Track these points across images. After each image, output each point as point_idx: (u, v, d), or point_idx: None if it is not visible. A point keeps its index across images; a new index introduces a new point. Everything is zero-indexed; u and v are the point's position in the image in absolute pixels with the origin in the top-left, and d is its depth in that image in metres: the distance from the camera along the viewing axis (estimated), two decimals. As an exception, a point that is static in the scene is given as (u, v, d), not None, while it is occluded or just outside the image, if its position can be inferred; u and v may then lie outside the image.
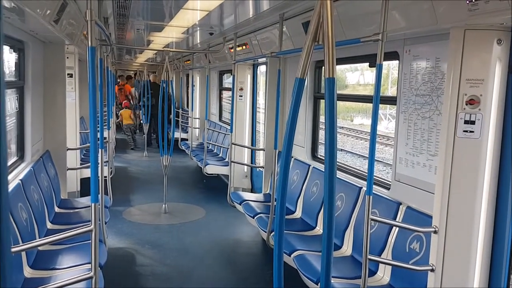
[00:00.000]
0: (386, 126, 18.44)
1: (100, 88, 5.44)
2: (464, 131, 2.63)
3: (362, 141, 16.27)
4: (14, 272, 3.10)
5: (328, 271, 1.61)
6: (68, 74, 6.32)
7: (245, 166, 7.45)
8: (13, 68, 4.63)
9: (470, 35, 2.55)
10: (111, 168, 6.13)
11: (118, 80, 15.26)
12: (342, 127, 19.42)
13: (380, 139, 15.12)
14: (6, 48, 4.32)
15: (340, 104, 23.90)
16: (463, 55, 2.57)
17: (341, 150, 15.13)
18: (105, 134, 5.55)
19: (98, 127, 4.69)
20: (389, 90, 18.37)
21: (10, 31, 4.07)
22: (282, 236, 1.80)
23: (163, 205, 6.86)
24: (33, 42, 4.79)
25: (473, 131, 2.62)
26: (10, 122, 4.62)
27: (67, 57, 6.18)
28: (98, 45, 4.60)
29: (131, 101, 14.36)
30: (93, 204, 2.45)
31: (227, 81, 10.36)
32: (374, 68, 2.68)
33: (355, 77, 23.56)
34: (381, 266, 3.54)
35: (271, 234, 4.43)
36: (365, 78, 21.93)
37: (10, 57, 4.51)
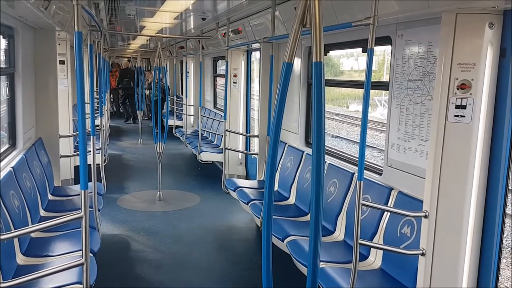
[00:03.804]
0: (381, 112, 18.43)
1: (91, 74, 5.40)
2: (455, 115, 2.63)
3: (357, 127, 16.28)
4: (6, 259, 3.10)
5: (316, 252, 1.62)
6: (60, 61, 6.26)
7: (240, 153, 7.45)
8: (3, 55, 4.57)
9: (461, 19, 2.53)
10: (104, 155, 6.11)
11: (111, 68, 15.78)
12: (338, 113, 19.43)
13: (376, 126, 15.15)
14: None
15: (336, 91, 23.92)
16: (454, 39, 2.55)
17: (337, 136, 15.17)
18: (97, 121, 5.52)
19: (89, 114, 4.68)
20: (384, 77, 18.34)
21: (-1, 17, 4.01)
22: (270, 220, 1.80)
23: (158, 192, 6.86)
24: (23, 29, 4.72)
25: (464, 116, 2.62)
26: (1, 109, 4.58)
27: (59, 44, 6.12)
28: (88, 31, 4.55)
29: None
30: (82, 191, 2.43)
31: (222, 68, 10.30)
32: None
33: (350, 63, 23.50)
34: (372, 250, 3.56)
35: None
36: (361, 64, 21.85)
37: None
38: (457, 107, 2.62)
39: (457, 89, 2.61)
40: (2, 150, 4.39)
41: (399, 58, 3.46)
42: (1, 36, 4.38)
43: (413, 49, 3.30)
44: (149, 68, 17.17)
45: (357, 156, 2.75)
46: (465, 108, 2.61)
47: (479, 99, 2.60)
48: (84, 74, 2.63)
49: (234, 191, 5.54)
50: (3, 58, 4.55)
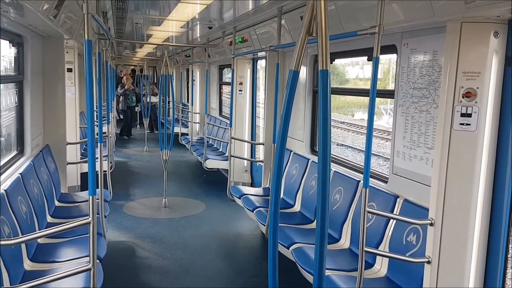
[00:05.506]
0: (387, 121, 18.40)
1: (99, 82, 5.45)
2: (460, 124, 2.64)
3: (362, 136, 16.25)
4: (14, 264, 3.13)
5: (322, 260, 1.63)
6: (67, 68, 6.32)
7: (245, 161, 7.47)
8: (13, 62, 4.63)
9: (466, 28, 2.55)
10: (111, 162, 6.15)
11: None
12: (343, 122, 19.42)
13: (381, 134, 15.13)
14: (5, 43, 4.33)
15: (341, 99, 23.89)
16: (459, 48, 2.57)
17: (342, 145, 15.16)
18: (105, 128, 5.57)
19: (97, 121, 4.72)
20: (390, 85, 18.32)
21: (9, 25, 4.07)
22: (277, 227, 1.82)
23: (163, 200, 6.88)
24: (32, 37, 4.79)
25: (469, 124, 2.63)
26: (10, 116, 4.63)
27: (67, 52, 6.19)
28: (96, 39, 4.60)
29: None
30: (90, 197, 2.47)
31: (227, 75, 10.36)
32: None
33: (355, 71, 23.51)
34: (378, 258, 3.55)
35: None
36: (366, 73, 21.86)
37: (9, 52, 4.52)
38: (463, 115, 2.63)
39: (463, 97, 2.62)
40: (11, 156, 4.44)
41: (404, 66, 3.48)
42: (11, 44, 4.45)
43: (419, 58, 3.32)
44: (130, 73, 16.72)
45: (362, 164, 2.76)
46: (470, 116, 2.62)
47: (484, 108, 2.61)
48: (93, 82, 2.67)
49: (239, 198, 5.56)
50: (11, 65, 4.61)
